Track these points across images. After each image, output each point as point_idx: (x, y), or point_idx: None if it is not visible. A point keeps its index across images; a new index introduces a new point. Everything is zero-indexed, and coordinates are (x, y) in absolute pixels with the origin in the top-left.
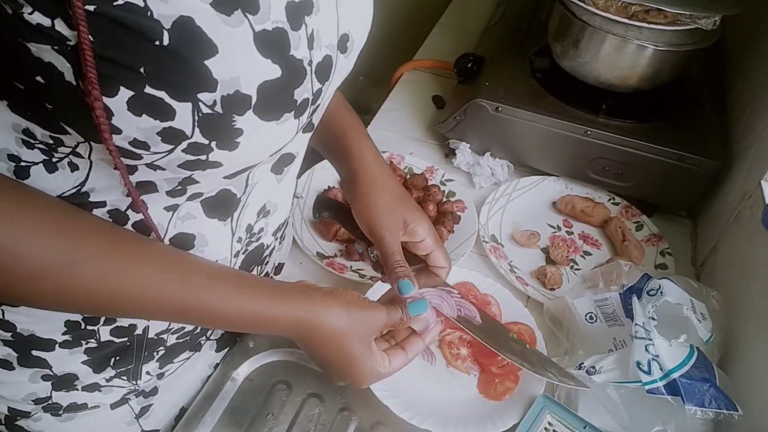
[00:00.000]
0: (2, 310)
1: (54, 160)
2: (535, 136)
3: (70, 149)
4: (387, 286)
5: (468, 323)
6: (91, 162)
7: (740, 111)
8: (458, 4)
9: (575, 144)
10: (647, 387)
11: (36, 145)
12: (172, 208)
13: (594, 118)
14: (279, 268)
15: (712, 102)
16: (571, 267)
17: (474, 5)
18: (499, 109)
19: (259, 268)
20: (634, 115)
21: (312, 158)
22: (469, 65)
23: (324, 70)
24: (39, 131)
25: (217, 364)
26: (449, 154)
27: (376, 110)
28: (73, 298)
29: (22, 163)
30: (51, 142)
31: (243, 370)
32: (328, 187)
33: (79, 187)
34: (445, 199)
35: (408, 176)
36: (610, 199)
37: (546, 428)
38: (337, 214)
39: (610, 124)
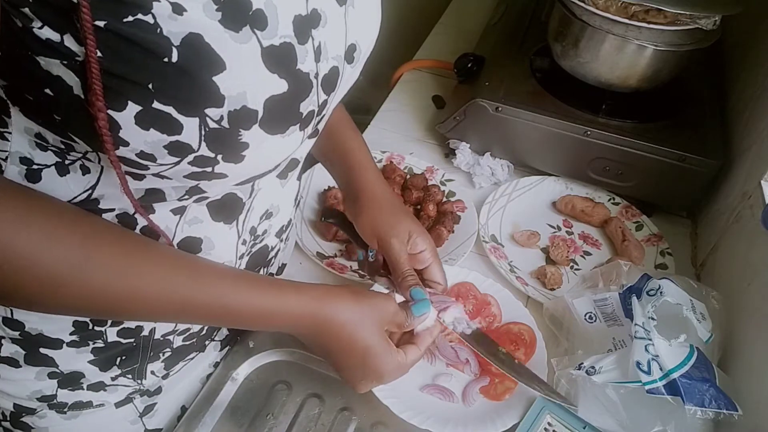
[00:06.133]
0: (11, 309)
1: (66, 162)
2: (535, 136)
3: (81, 154)
4: (383, 288)
5: (464, 333)
6: (102, 167)
7: (740, 111)
8: (458, 4)
9: (575, 144)
10: (647, 387)
11: (49, 148)
12: (180, 211)
13: (594, 118)
14: (281, 268)
15: (712, 102)
16: (571, 267)
17: (474, 5)
18: (499, 109)
19: (265, 269)
20: (634, 115)
21: (312, 159)
22: (469, 65)
23: (330, 81)
24: (50, 136)
25: (218, 363)
26: (449, 154)
27: (376, 110)
28: (87, 301)
29: (35, 166)
30: (62, 146)
31: (243, 370)
32: (329, 187)
33: (90, 191)
34: (445, 199)
35: (408, 176)
36: (610, 199)
37: (546, 428)
38: (342, 221)
39: (610, 124)
